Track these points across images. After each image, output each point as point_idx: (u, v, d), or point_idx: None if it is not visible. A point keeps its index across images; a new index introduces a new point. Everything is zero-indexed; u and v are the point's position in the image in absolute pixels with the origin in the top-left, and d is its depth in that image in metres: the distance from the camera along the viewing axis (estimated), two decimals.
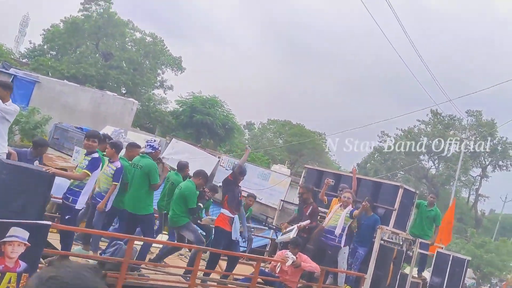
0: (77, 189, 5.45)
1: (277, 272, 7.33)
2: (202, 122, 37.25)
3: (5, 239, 4.68)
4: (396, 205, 8.31)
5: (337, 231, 7.70)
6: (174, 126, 39.59)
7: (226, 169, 15.76)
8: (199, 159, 15.37)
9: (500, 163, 44.13)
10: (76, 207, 5.43)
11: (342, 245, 7.79)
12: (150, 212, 6.27)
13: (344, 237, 7.81)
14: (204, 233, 7.78)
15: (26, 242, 4.77)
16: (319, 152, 53.25)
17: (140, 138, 17.98)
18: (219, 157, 16.88)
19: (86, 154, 5.60)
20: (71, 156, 18.04)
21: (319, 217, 8.49)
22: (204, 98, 39.32)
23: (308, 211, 8.07)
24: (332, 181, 8.84)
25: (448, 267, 8.66)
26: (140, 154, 6.61)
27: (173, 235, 7.62)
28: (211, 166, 15.28)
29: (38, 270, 4.95)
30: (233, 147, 46.92)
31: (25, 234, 4.79)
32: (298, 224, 7.85)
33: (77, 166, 6.01)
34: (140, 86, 43.06)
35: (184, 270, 6.55)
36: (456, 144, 43.52)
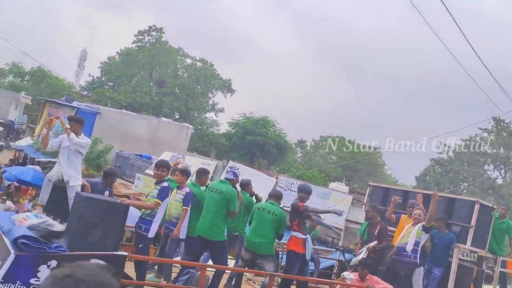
0: (149, 218, 5.51)
1: None
2: (254, 143, 37.51)
3: None
4: (473, 222, 7.84)
5: (409, 248, 7.34)
6: (227, 148, 40.11)
7: (284, 190, 15.64)
8: (258, 181, 15.33)
9: None
10: (148, 236, 5.49)
11: (417, 261, 7.42)
12: (224, 239, 6.23)
13: (418, 253, 7.44)
14: None
15: None
16: (374, 166, 52.16)
17: (198, 162, 18.25)
18: (276, 178, 16.79)
19: (156, 183, 5.68)
20: (133, 183, 18.55)
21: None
22: (256, 119, 39.66)
23: (376, 231, 7.77)
24: (399, 198, 8.53)
25: None
26: (220, 180, 6.62)
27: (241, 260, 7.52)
28: (269, 188, 15.18)
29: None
30: (286, 166, 46.84)
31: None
32: (367, 246, 7.57)
33: (147, 195, 6.08)
34: (193, 110, 44.08)
35: None
36: None
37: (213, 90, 49.80)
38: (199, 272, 5.77)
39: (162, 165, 5.75)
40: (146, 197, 5.83)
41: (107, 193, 7.19)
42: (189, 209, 6.16)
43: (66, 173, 6.19)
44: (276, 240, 7.64)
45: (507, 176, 43.33)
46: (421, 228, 7.45)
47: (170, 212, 6.18)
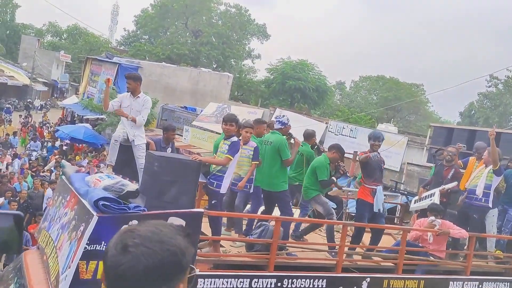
0: (220, 174, 5.44)
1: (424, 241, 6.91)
2: (294, 88, 36.94)
3: None
4: None
5: (478, 191, 7.04)
6: (266, 95, 39.75)
7: (335, 135, 15.37)
8: (306, 127, 15.10)
9: None
10: (221, 191, 5.45)
11: (490, 205, 7.15)
12: (285, 189, 6.16)
13: (491, 197, 7.15)
14: (335, 206, 7.55)
15: None
16: (418, 104, 50.68)
17: (244, 111, 18.14)
18: (326, 123, 16.48)
19: (225, 139, 5.56)
20: (181, 135, 18.70)
21: None
22: (294, 63, 38.87)
23: (450, 174, 7.48)
24: (464, 146, 8.21)
25: None
26: (271, 131, 6.49)
27: (305, 209, 7.47)
28: (320, 133, 14.92)
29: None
30: (327, 109, 46.18)
31: (182, 223, 4.88)
32: (441, 188, 7.30)
33: (217, 151, 5.98)
34: (230, 58, 43.57)
35: (327, 246, 6.41)
36: None
37: (249, 37, 48.86)
38: (272, 225, 5.74)
39: (231, 120, 5.59)
40: (216, 154, 5.73)
41: (169, 150, 7.20)
42: (257, 162, 6.08)
43: (130, 133, 6.17)
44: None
45: None
46: (492, 171, 7.11)
47: (239, 169, 6.06)
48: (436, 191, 7.33)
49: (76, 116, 28.41)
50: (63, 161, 11.08)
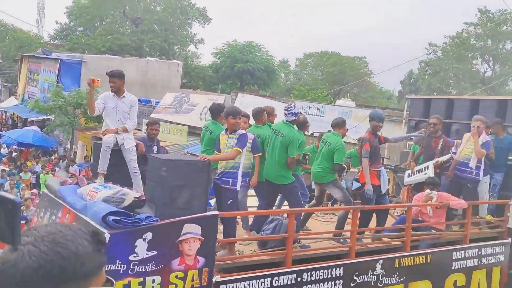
0: (234, 171, 5.07)
1: (424, 216, 6.92)
2: (243, 70, 36.57)
3: (181, 238, 4.44)
4: None
5: (472, 164, 7.11)
6: (215, 80, 39.11)
7: (302, 115, 15.25)
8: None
9: None
10: (237, 189, 5.11)
11: (480, 178, 7.24)
12: (292, 181, 5.89)
13: (482, 168, 7.23)
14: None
15: (200, 237, 4.52)
16: (362, 77, 51.77)
17: (205, 99, 17.63)
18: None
19: (230, 133, 5.18)
20: (141, 130, 17.91)
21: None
22: (241, 45, 38.39)
23: (440, 144, 7.48)
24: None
25: None
26: (283, 121, 6.16)
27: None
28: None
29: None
30: (276, 89, 46.18)
31: (198, 229, 4.53)
32: (435, 161, 7.30)
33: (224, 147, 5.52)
34: (174, 45, 42.40)
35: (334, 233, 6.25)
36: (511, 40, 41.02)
37: (189, 21, 47.66)
38: (286, 219, 5.49)
39: (237, 113, 5.20)
40: (220, 152, 5.32)
41: (155, 148, 6.74)
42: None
43: (119, 137, 5.66)
44: None
45: (495, 67, 43.36)
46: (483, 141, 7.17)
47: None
48: (430, 164, 7.33)
49: (17, 119, 26.70)
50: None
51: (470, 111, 8.53)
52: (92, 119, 20.27)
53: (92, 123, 20.69)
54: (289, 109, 6.04)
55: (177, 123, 17.00)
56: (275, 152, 5.86)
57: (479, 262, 7.14)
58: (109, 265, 4.10)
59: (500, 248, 7.45)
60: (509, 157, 7.73)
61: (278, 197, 6.51)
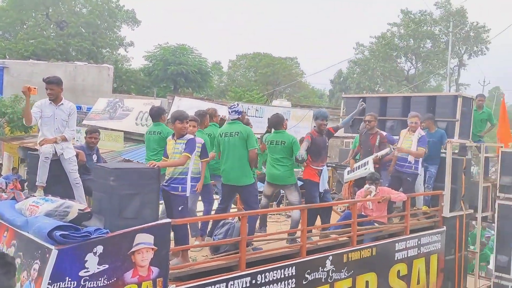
0: (183, 176, 4.96)
1: (365, 211, 7.17)
2: (177, 73, 36.07)
3: (133, 249, 4.29)
4: (458, 115, 8.10)
5: (411, 158, 7.48)
6: (148, 83, 38.27)
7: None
8: None
9: (475, 48, 44.51)
10: (186, 195, 5.00)
11: (419, 171, 7.62)
12: (252, 182, 5.86)
13: (420, 163, 7.62)
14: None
15: (153, 246, 4.40)
16: (294, 77, 52.84)
17: (139, 103, 17.18)
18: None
19: (178, 138, 5.06)
20: (74, 138, 17.14)
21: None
22: (173, 48, 37.83)
23: (377, 140, 7.79)
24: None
25: None
26: (228, 122, 6.11)
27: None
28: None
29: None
30: (211, 91, 45.94)
31: (151, 238, 4.40)
32: (375, 156, 7.57)
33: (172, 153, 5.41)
34: (103, 48, 40.97)
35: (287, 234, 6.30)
36: (431, 39, 43.62)
37: (117, 24, 46.25)
38: (237, 222, 5.46)
39: (184, 117, 5.09)
40: (167, 157, 5.19)
41: (95, 156, 6.48)
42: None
43: (57, 146, 5.37)
44: None
45: (418, 65, 45.92)
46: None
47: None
48: (370, 159, 7.59)
49: None
50: None
51: (403, 108, 8.94)
52: (18, 129, 19.17)
53: (18, 133, 19.53)
54: (232, 107, 6.01)
55: (112, 129, 16.45)
56: (234, 153, 5.77)
57: (419, 251, 7.52)
58: (58, 283, 3.89)
59: (437, 237, 7.88)
60: (441, 150, 8.19)
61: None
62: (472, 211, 8.74)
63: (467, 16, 42.59)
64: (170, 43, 38.35)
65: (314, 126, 6.80)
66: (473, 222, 10.53)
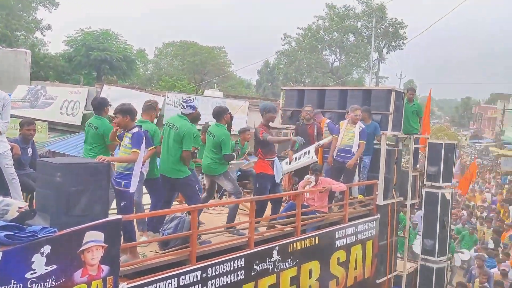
0: (128, 172, 4.77)
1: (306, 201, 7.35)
2: (101, 59, 34.60)
3: (83, 247, 4.09)
4: (391, 109, 8.51)
5: (354, 149, 7.75)
6: (69, 70, 36.33)
7: (174, 107, 14.97)
8: (140, 102, 14.36)
9: (393, 43, 46.88)
10: (130, 191, 4.81)
11: (359, 162, 7.93)
12: (188, 174, 5.77)
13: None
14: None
15: (104, 244, 4.22)
16: (222, 66, 52.74)
17: (64, 92, 16.27)
18: (163, 96, 15.87)
19: (127, 131, 4.85)
20: None
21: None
22: (96, 33, 36.18)
23: (315, 130, 8.00)
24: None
25: (442, 155, 9.29)
26: (178, 114, 5.95)
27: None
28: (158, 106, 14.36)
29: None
30: (137, 79, 44.58)
31: (101, 236, 4.21)
32: (316, 144, 7.75)
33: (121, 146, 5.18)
34: (18, 31, 38.24)
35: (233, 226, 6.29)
36: (354, 33, 45.37)
37: (33, 5, 43.33)
38: (188, 216, 5.36)
39: (123, 111, 4.88)
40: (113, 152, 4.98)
41: (30, 150, 6.08)
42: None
43: None
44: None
45: (342, 58, 47.62)
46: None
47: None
48: (311, 148, 7.76)
49: None
50: None
51: (339, 101, 9.24)
52: None
53: None
54: (188, 101, 5.90)
55: (34, 119, 15.44)
56: (169, 146, 5.69)
57: (356, 238, 7.86)
58: (3, 286, 3.61)
59: (372, 224, 8.28)
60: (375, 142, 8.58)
61: None
62: (402, 198, 9.27)
63: (387, 12, 44.72)
64: (92, 28, 36.58)
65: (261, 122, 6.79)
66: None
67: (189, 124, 5.82)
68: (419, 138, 9.64)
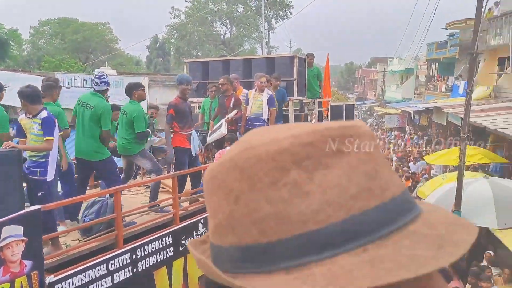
0: (43, 160, 4.36)
1: None
2: None
3: (1, 244, 3.74)
4: (295, 75, 8.76)
5: (265, 116, 7.86)
6: None
7: (67, 88, 13.91)
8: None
9: (281, 13, 47.92)
10: (47, 180, 4.42)
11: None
12: (107, 156, 5.47)
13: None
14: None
15: (24, 238, 3.89)
16: (108, 43, 50.27)
17: None
18: (49, 77, 14.64)
19: (32, 117, 4.40)
20: None
21: None
22: None
23: (232, 102, 7.97)
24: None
25: (344, 115, 9.80)
26: (91, 92, 5.51)
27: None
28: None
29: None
30: (12, 62, 40.71)
31: (20, 230, 3.87)
32: (226, 118, 7.74)
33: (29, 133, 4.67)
34: None
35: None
36: (242, 4, 45.54)
37: None
38: (110, 199, 5.09)
39: (27, 96, 4.42)
40: (23, 139, 4.49)
41: None
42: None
43: None
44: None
45: (233, 29, 47.67)
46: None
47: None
48: (223, 121, 7.77)
49: None
50: None
51: (244, 70, 9.30)
52: None
53: None
54: (101, 78, 5.53)
55: None
56: (85, 127, 5.33)
57: None
58: None
59: None
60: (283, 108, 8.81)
61: None
62: None
63: None
64: None
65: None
66: None
67: (105, 101, 5.50)
68: (321, 101, 10.07)
